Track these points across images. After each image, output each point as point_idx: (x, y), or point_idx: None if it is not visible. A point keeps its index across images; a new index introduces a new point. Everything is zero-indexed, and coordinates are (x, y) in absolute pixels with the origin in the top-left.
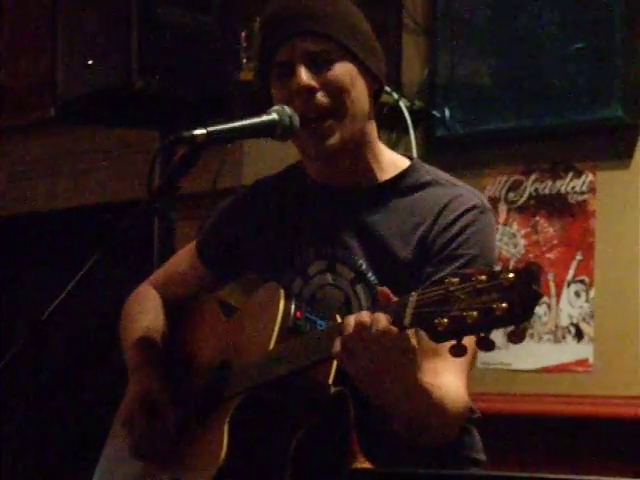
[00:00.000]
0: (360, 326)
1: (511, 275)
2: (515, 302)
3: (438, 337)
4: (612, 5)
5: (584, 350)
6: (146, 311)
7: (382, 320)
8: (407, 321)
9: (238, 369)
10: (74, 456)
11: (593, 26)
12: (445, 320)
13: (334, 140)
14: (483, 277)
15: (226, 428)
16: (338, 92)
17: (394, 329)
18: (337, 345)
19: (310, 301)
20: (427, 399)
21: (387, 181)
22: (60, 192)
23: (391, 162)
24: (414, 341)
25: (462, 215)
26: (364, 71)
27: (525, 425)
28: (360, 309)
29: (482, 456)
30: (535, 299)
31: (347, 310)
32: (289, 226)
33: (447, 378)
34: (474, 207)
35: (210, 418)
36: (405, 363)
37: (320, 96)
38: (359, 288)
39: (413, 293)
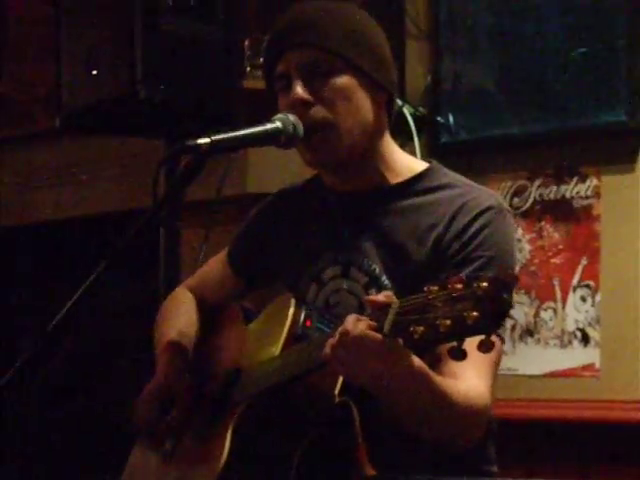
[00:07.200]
0: (342, 331)
1: (484, 284)
2: (486, 311)
3: (414, 345)
4: (616, 10)
5: (591, 355)
6: (180, 313)
7: (360, 326)
8: (387, 328)
9: (247, 376)
10: (82, 463)
11: (596, 31)
12: (420, 328)
13: (324, 153)
14: (459, 285)
15: (229, 435)
16: (334, 106)
17: (372, 335)
18: (326, 351)
19: (324, 307)
20: (434, 400)
21: (401, 183)
22: (65, 201)
23: (406, 167)
24: (399, 348)
25: (478, 217)
26: (366, 82)
27: (532, 430)
28: None
29: (494, 468)
30: (506, 309)
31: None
32: (307, 233)
33: (467, 378)
34: (490, 208)
35: (218, 424)
36: (394, 368)
37: (315, 110)
38: (373, 292)
39: (396, 301)
